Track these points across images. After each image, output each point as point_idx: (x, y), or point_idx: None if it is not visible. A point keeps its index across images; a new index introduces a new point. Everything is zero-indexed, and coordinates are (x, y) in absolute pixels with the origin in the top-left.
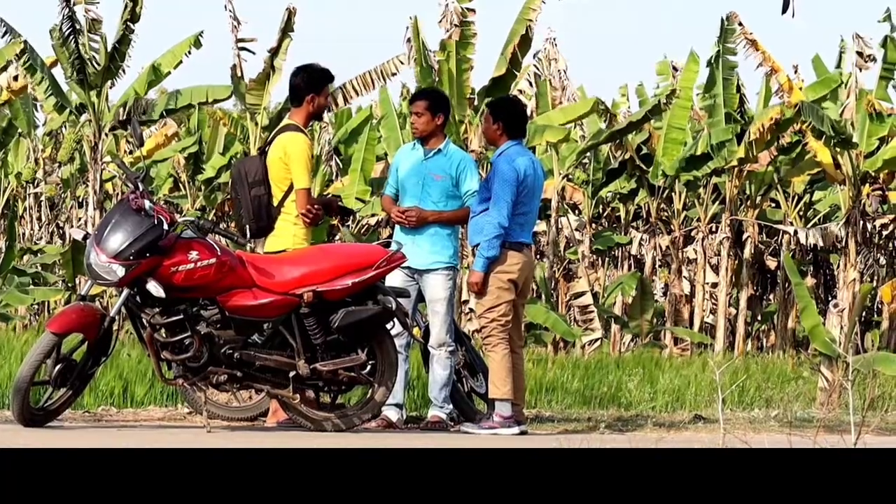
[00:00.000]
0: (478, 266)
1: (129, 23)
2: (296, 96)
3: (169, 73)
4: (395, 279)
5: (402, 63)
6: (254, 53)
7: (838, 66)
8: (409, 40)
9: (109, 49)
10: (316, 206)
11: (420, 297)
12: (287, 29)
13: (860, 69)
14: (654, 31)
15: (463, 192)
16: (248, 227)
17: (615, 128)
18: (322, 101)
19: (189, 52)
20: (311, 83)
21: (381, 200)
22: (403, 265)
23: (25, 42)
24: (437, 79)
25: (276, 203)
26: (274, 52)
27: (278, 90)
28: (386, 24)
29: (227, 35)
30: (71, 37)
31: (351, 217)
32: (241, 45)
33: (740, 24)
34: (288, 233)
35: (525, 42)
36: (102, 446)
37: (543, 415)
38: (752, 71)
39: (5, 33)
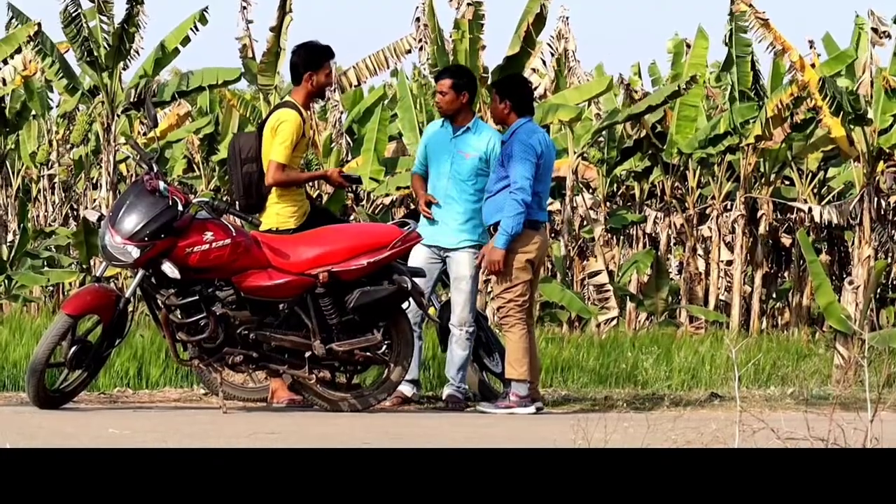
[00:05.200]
0: (500, 243)
1: (133, 3)
2: (295, 74)
3: (176, 49)
4: (420, 258)
5: (416, 41)
6: (255, 40)
7: (856, 44)
8: (417, 19)
9: (117, 29)
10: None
11: (439, 278)
12: (285, 7)
13: (875, 45)
14: (664, 8)
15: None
16: (237, 203)
17: (632, 110)
18: (322, 78)
19: (196, 29)
20: (309, 61)
21: (411, 179)
22: (431, 244)
23: (38, 25)
24: (451, 58)
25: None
26: (276, 32)
27: (286, 70)
28: (394, 4)
29: (236, 15)
30: (79, 18)
31: (359, 185)
32: (249, 24)
33: (750, 5)
34: (271, 212)
35: (539, 20)
36: (118, 428)
37: (559, 394)
38: (764, 48)
39: (13, 18)
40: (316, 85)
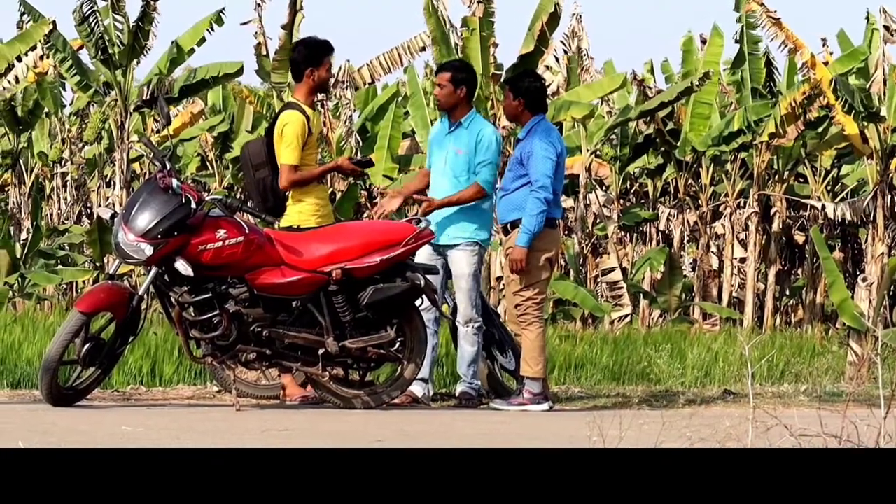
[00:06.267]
0: (522, 242)
1: (148, 1)
2: (296, 71)
3: (192, 49)
4: (421, 255)
5: (428, 38)
6: (268, 38)
7: (868, 42)
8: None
9: (132, 27)
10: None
11: (448, 274)
12: (296, 4)
13: (886, 43)
14: (671, 6)
15: (475, 163)
16: (257, 208)
17: (644, 107)
18: (322, 73)
19: (212, 30)
20: (310, 56)
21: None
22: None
23: (54, 23)
24: (460, 56)
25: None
26: (288, 29)
27: None
28: (408, 1)
29: (246, 13)
30: (93, 16)
31: (371, 166)
32: (255, 19)
33: (762, 4)
34: (293, 210)
35: (553, 19)
36: (132, 425)
37: (573, 391)
38: (777, 47)
39: (25, 13)
40: (317, 80)
